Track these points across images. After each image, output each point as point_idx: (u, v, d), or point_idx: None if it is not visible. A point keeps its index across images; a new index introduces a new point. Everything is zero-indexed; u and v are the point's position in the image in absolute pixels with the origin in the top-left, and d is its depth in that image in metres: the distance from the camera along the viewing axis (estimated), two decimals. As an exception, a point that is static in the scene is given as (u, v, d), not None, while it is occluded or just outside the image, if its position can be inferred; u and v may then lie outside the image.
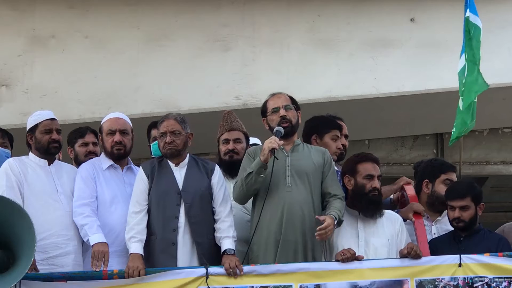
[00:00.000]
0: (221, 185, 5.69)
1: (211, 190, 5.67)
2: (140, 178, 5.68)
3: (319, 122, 6.27)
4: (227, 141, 6.16)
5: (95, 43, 9.18)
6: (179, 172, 5.68)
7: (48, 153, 5.78)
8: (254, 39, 9.34)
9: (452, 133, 6.73)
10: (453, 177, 6.20)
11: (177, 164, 5.70)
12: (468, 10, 6.81)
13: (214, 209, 5.65)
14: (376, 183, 5.70)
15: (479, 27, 6.79)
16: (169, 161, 5.71)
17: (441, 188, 6.18)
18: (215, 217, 5.63)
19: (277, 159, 5.51)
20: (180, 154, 5.69)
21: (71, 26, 9.20)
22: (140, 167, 5.75)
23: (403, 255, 5.50)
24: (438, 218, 6.15)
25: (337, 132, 6.23)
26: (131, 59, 9.16)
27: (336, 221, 5.44)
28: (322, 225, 5.35)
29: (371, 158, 5.83)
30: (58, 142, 5.80)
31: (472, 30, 6.78)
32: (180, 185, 5.63)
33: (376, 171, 5.75)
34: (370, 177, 5.71)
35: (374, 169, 5.74)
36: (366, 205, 5.69)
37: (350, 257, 5.42)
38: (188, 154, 5.77)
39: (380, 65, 9.33)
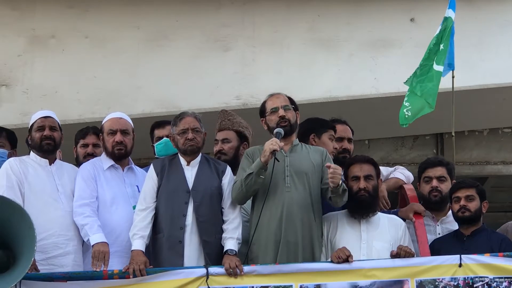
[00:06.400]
0: (232, 185, 5.68)
1: (221, 190, 5.68)
2: (149, 176, 5.70)
3: (317, 122, 6.26)
4: (216, 141, 6.25)
5: (95, 43, 9.18)
6: (190, 171, 5.68)
7: (42, 150, 5.78)
8: (254, 39, 9.35)
9: (407, 116, 6.72)
10: (433, 173, 6.16)
11: (188, 163, 5.70)
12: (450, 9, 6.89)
13: (223, 210, 5.66)
14: (363, 184, 5.70)
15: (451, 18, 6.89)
16: (180, 160, 5.72)
17: (423, 187, 6.19)
18: (224, 218, 5.64)
19: (278, 161, 5.52)
20: (199, 151, 5.71)
21: (71, 26, 9.20)
22: (151, 164, 5.76)
23: (393, 256, 5.51)
24: (443, 218, 6.15)
25: (332, 133, 6.23)
26: (131, 59, 9.16)
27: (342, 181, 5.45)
28: (331, 168, 5.40)
29: (358, 160, 5.84)
30: (51, 139, 5.78)
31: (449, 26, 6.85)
32: (190, 184, 5.63)
33: (363, 171, 5.74)
34: (356, 178, 5.74)
35: (360, 170, 5.75)
36: (353, 206, 5.71)
37: (346, 258, 5.41)
38: (200, 153, 5.77)
39: (380, 65, 9.34)
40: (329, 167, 5.43)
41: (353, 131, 6.48)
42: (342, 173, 5.53)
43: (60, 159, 6.08)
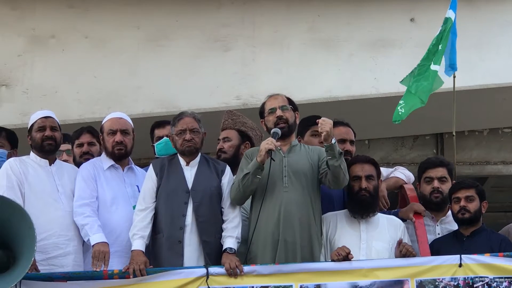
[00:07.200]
0: (231, 185, 5.68)
1: (221, 190, 5.68)
2: (149, 176, 5.70)
3: (300, 123, 6.22)
4: (219, 141, 6.27)
5: (95, 43, 9.18)
6: (190, 171, 5.68)
7: (43, 150, 5.77)
8: (254, 39, 9.35)
9: (401, 113, 6.70)
10: (434, 174, 6.15)
11: (188, 163, 5.70)
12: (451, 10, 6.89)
13: (222, 209, 5.66)
14: (364, 183, 5.71)
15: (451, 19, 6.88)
16: (180, 160, 5.72)
17: (423, 188, 6.18)
18: (223, 218, 5.64)
19: (274, 160, 5.52)
20: (197, 152, 5.71)
21: (71, 26, 9.20)
22: (150, 164, 5.76)
23: (397, 255, 5.52)
24: (442, 218, 6.14)
25: (315, 128, 5.97)
26: (131, 59, 9.16)
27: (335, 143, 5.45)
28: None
29: (360, 160, 5.85)
30: (52, 139, 5.77)
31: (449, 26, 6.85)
32: (190, 184, 5.63)
33: (364, 171, 5.75)
34: (357, 178, 5.74)
35: (361, 170, 5.76)
36: (353, 206, 5.73)
37: (346, 255, 5.42)
38: (199, 154, 5.77)
39: (380, 65, 9.33)
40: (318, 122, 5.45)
41: (355, 133, 6.47)
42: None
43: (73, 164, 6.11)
